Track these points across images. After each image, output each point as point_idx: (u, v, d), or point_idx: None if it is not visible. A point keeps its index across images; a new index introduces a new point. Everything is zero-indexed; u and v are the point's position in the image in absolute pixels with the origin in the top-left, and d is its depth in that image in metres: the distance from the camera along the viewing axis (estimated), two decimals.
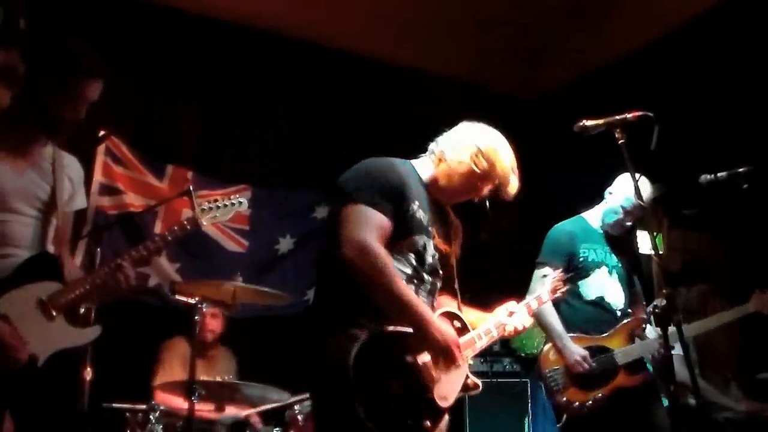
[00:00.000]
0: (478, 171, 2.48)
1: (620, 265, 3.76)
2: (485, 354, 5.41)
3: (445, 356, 2.30)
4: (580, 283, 3.67)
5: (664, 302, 2.46)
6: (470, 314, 2.62)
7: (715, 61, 4.85)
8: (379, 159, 2.45)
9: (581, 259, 3.69)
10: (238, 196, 3.01)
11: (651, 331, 3.65)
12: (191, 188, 3.87)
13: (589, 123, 2.65)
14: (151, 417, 3.78)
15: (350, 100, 5.56)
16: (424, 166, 2.56)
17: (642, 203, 3.49)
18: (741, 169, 3.02)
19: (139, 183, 4.94)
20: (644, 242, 5.52)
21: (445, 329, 2.32)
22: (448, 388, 2.36)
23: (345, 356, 2.14)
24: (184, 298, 3.89)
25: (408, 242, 2.37)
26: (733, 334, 4.69)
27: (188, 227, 2.70)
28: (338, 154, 2.74)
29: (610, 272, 3.71)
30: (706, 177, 3.09)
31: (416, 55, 5.63)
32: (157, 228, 4.98)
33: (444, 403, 2.33)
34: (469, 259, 2.86)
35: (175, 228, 2.66)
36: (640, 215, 3.67)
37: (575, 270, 3.66)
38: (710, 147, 4.69)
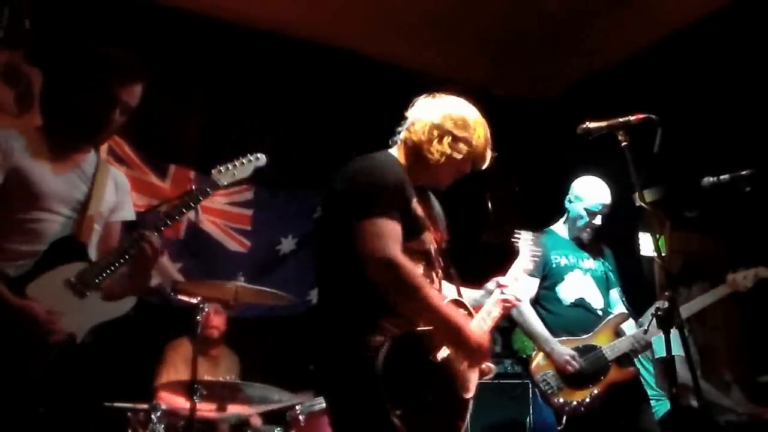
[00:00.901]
0: (457, 145, 2.38)
1: (595, 268, 3.84)
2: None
3: (479, 359, 2.30)
4: (556, 288, 3.75)
5: (666, 304, 2.46)
6: (469, 294, 2.60)
7: (717, 63, 4.85)
8: (370, 160, 2.35)
9: (553, 266, 3.76)
10: (255, 153, 2.84)
11: (632, 327, 3.73)
12: (194, 188, 3.89)
13: (592, 125, 2.66)
14: (152, 417, 3.77)
15: (351, 100, 5.56)
16: (400, 154, 2.45)
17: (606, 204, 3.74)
18: (743, 172, 3.02)
19: (141, 182, 4.94)
20: (646, 244, 5.54)
21: (479, 334, 2.30)
22: (469, 378, 2.35)
23: (373, 362, 2.09)
24: (185, 298, 3.89)
25: (418, 242, 2.33)
26: (734, 337, 4.69)
27: (209, 191, 2.61)
28: (340, 155, 2.72)
29: (584, 274, 3.78)
30: (708, 179, 3.09)
31: (417, 55, 5.63)
32: None
33: (468, 395, 2.33)
34: (470, 259, 2.86)
35: (196, 192, 2.58)
36: (606, 213, 3.78)
37: (549, 277, 3.74)
38: (712, 150, 4.69)
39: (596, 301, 3.74)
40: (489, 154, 2.49)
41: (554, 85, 6.05)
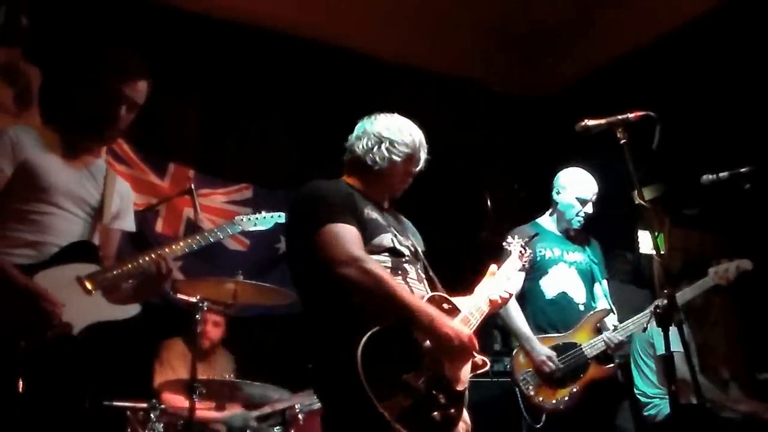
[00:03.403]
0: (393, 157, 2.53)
1: (581, 261, 3.84)
2: (485, 353, 5.42)
3: (460, 351, 2.29)
4: (540, 282, 3.76)
5: (665, 302, 2.45)
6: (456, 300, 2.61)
7: (716, 60, 4.84)
8: (310, 185, 2.50)
9: (538, 259, 3.76)
10: (278, 213, 3.08)
11: (612, 321, 3.72)
12: (193, 187, 3.89)
13: (590, 123, 2.65)
14: (151, 415, 3.78)
15: (351, 99, 5.54)
16: (351, 178, 2.62)
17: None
18: (743, 169, 3.02)
19: (140, 181, 4.93)
20: (645, 242, 5.53)
21: (457, 326, 2.32)
22: (458, 370, 2.34)
23: (352, 355, 2.11)
24: (185, 297, 3.88)
25: (377, 243, 2.42)
26: (732, 334, 4.69)
27: (230, 232, 2.75)
28: (339, 153, 2.73)
29: (569, 268, 3.79)
30: (707, 177, 3.08)
31: (417, 53, 5.63)
32: (158, 227, 4.98)
33: (460, 387, 2.32)
34: (470, 258, 2.86)
35: (218, 232, 2.68)
36: (594, 201, 3.81)
37: (534, 270, 3.74)
38: (712, 147, 4.69)
39: (579, 296, 3.75)
40: (424, 155, 2.62)
41: (553, 83, 6.05)
